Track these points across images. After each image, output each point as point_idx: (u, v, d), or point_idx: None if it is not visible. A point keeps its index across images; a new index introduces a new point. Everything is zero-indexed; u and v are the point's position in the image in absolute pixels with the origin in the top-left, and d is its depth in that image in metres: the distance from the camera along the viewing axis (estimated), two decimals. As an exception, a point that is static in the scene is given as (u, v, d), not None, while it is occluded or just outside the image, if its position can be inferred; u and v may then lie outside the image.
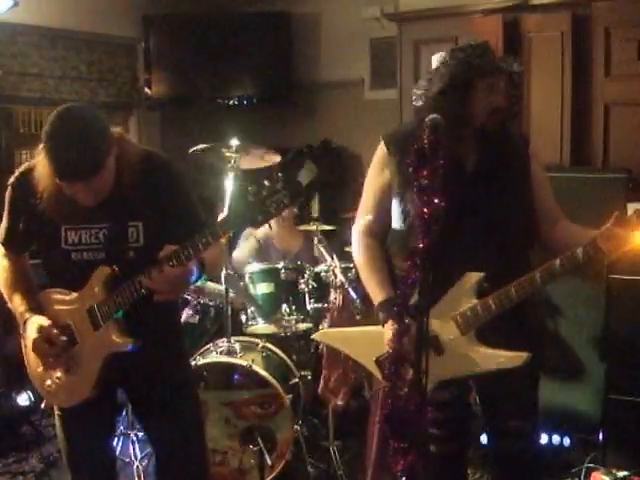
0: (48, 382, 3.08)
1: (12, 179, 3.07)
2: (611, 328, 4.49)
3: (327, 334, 3.82)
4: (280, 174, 2.88)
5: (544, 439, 4.65)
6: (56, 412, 3.18)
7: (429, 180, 2.45)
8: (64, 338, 2.99)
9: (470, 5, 6.09)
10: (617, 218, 2.86)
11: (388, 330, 2.94)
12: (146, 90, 7.67)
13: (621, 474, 4.15)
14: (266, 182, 2.76)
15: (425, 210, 2.44)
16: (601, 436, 4.49)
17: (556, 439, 4.70)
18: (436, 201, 2.42)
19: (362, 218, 3.35)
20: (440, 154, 2.48)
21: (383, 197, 3.29)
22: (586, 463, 4.41)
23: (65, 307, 3.04)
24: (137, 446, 4.91)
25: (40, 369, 3.08)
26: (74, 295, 3.03)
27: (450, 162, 2.86)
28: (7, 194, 3.08)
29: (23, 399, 5.49)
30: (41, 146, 2.83)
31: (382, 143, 3.34)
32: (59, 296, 3.07)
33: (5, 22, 6.43)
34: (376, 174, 3.34)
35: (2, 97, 6.64)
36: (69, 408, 3.10)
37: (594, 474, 4.25)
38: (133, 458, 4.80)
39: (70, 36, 7.07)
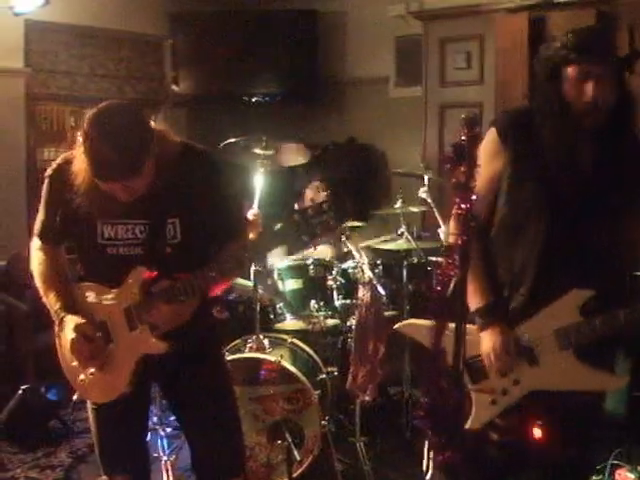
0: (82, 377, 3.05)
1: (49, 171, 3.02)
2: (637, 324, 4.47)
3: (411, 325, 3.32)
4: (327, 193, 2.71)
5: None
6: (90, 406, 3.16)
7: (466, 176, 2.43)
8: (100, 338, 2.97)
9: (496, 3, 6.10)
10: None
11: (486, 337, 2.94)
12: (173, 87, 7.71)
13: (646, 471, 4.15)
14: (312, 203, 2.70)
15: (462, 207, 2.41)
16: (626, 433, 4.49)
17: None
18: (473, 198, 2.41)
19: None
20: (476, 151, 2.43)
21: (492, 189, 3.02)
22: (611, 460, 4.39)
23: (101, 303, 3.01)
24: (165, 441, 4.96)
25: (74, 363, 3.05)
26: (111, 293, 2.99)
27: (561, 154, 2.85)
28: (44, 186, 3.04)
29: (52, 394, 5.54)
30: (80, 141, 2.76)
31: (493, 129, 3.00)
32: (95, 291, 3.03)
33: (35, 20, 6.50)
34: (486, 163, 2.85)
35: (31, 94, 6.70)
36: (103, 403, 3.09)
37: (619, 471, 4.23)
38: (161, 453, 4.84)
39: (98, 34, 7.14)
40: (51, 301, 3.05)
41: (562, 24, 5.66)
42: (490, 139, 2.99)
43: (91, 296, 3.05)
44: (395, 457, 4.91)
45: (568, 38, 2.78)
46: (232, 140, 4.88)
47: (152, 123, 2.88)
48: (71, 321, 2.96)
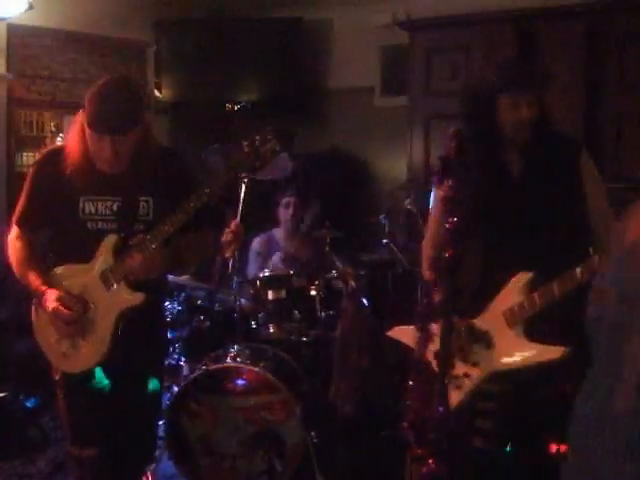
0: (63, 349, 3.36)
1: (38, 158, 3.54)
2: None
3: (400, 331, 3.65)
4: (270, 126, 3.22)
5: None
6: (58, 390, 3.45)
7: (453, 191, 2.46)
8: (79, 305, 3.29)
9: (483, 14, 6.10)
10: None
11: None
12: (156, 93, 7.67)
13: None
14: (257, 136, 3.15)
15: (450, 220, 2.44)
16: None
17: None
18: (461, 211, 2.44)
19: None
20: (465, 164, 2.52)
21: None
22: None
23: (75, 279, 3.35)
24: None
25: (54, 339, 3.37)
26: (83, 266, 3.33)
27: (495, 170, 3.30)
28: (30, 173, 3.44)
29: (31, 402, 5.48)
30: (79, 114, 3.21)
31: None
32: (68, 271, 3.37)
33: (17, 24, 6.45)
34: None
35: (13, 100, 6.64)
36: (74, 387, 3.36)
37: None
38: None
39: (82, 39, 7.08)
40: (31, 280, 3.36)
41: (549, 35, 5.69)
42: None
43: (64, 277, 3.37)
44: (377, 469, 4.88)
45: (498, 72, 3.26)
46: (216, 146, 4.87)
47: None
48: (52, 293, 3.28)
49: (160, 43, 7.62)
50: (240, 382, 4.52)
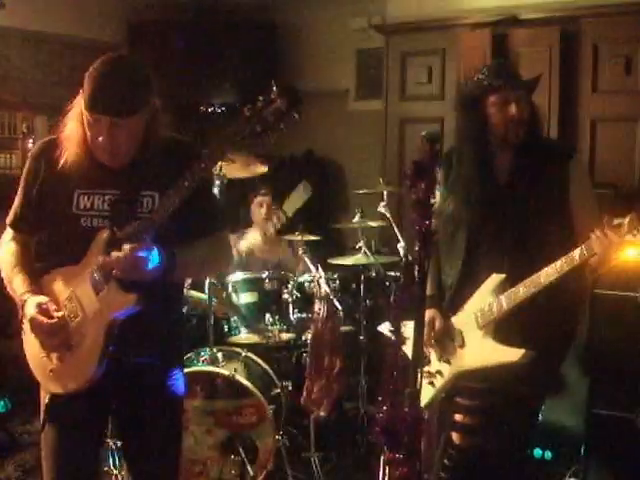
0: (51, 366, 2.93)
1: (33, 150, 3.04)
2: (594, 343, 4.49)
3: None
4: (274, 84, 2.69)
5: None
6: (43, 416, 3.01)
7: (425, 193, 2.45)
8: (61, 313, 2.88)
9: (458, 18, 6.12)
10: (608, 222, 2.98)
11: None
12: (129, 96, 7.62)
13: (601, 489, 4.19)
14: (260, 97, 2.69)
15: (422, 223, 2.43)
16: (583, 450, 4.48)
17: (538, 453, 4.68)
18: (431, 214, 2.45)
19: None
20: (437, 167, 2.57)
21: None
22: (567, 477, 4.40)
23: (65, 282, 2.94)
24: (116, 455, 4.82)
25: (42, 355, 2.94)
26: (75, 267, 2.91)
27: (483, 171, 3.38)
28: (26, 166, 3.03)
29: (1, 405, 5.42)
30: (76, 101, 2.83)
31: None
32: (59, 274, 2.96)
33: (-13, 25, 6.39)
34: None
35: (-17, 100, 6.59)
36: (62, 413, 2.96)
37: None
38: (112, 467, 4.71)
39: (53, 40, 7.03)
40: (16, 287, 2.98)
41: (525, 41, 5.70)
42: None
43: (55, 280, 2.97)
44: (350, 473, 4.88)
45: (487, 73, 3.36)
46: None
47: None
48: (33, 301, 2.88)
49: (134, 45, 7.58)
50: (212, 386, 4.48)
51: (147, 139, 2.88)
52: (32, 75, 6.97)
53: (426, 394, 3.36)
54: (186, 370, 4.39)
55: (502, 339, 3.29)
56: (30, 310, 2.86)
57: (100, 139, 2.78)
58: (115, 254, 2.74)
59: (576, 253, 3.05)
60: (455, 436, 3.55)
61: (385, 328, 3.81)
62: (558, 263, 3.08)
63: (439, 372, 3.44)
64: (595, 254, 3.01)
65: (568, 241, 3.24)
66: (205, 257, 3.02)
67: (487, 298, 3.33)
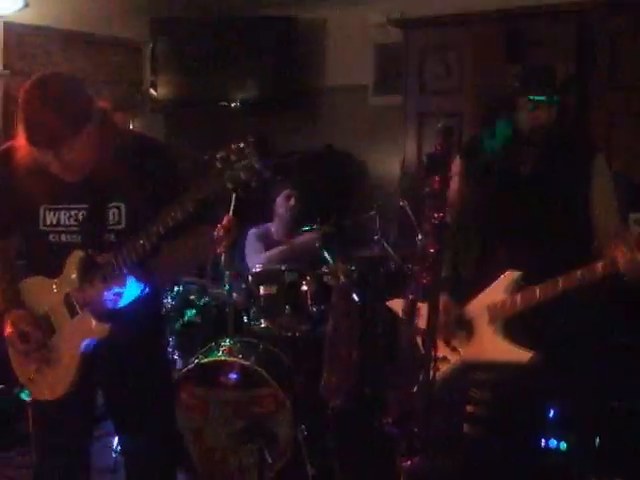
0: (31, 376, 3.02)
1: None
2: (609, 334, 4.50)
3: (397, 303, 3.81)
4: (250, 137, 2.57)
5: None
6: (32, 414, 3.14)
7: (440, 185, 2.48)
8: (38, 334, 2.92)
9: (474, 13, 6.12)
10: (634, 237, 2.99)
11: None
12: (151, 92, 7.69)
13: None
14: (233, 146, 2.58)
15: (436, 216, 2.46)
16: (597, 442, 4.50)
17: (552, 443, 4.70)
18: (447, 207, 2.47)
19: None
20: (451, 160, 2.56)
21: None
22: (580, 469, 4.41)
23: (43, 296, 2.95)
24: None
25: (22, 363, 3.03)
26: (52, 282, 2.92)
27: (506, 166, 3.39)
28: None
29: (25, 394, 5.48)
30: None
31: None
32: (38, 285, 2.98)
33: (13, 23, 6.46)
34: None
35: (9, 97, 6.66)
36: (49, 410, 3.03)
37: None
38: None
39: (78, 37, 7.09)
40: None
41: (541, 34, 5.70)
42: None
43: (34, 291, 2.99)
44: (367, 462, 4.90)
45: (521, 75, 3.36)
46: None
47: (101, 103, 2.83)
48: (10, 317, 2.94)
49: (156, 42, 7.64)
50: (231, 376, 4.53)
51: (102, 146, 2.77)
52: (57, 72, 7.04)
53: None
54: (206, 360, 4.53)
55: (511, 338, 3.29)
56: (8, 327, 2.92)
57: (51, 165, 2.72)
58: (89, 291, 2.78)
59: (599, 266, 3.03)
60: (466, 427, 3.56)
61: (395, 304, 3.82)
62: (579, 272, 3.05)
63: (445, 359, 3.45)
64: (619, 270, 2.98)
65: (587, 238, 3.30)
66: (184, 257, 2.99)
67: (501, 294, 3.32)
